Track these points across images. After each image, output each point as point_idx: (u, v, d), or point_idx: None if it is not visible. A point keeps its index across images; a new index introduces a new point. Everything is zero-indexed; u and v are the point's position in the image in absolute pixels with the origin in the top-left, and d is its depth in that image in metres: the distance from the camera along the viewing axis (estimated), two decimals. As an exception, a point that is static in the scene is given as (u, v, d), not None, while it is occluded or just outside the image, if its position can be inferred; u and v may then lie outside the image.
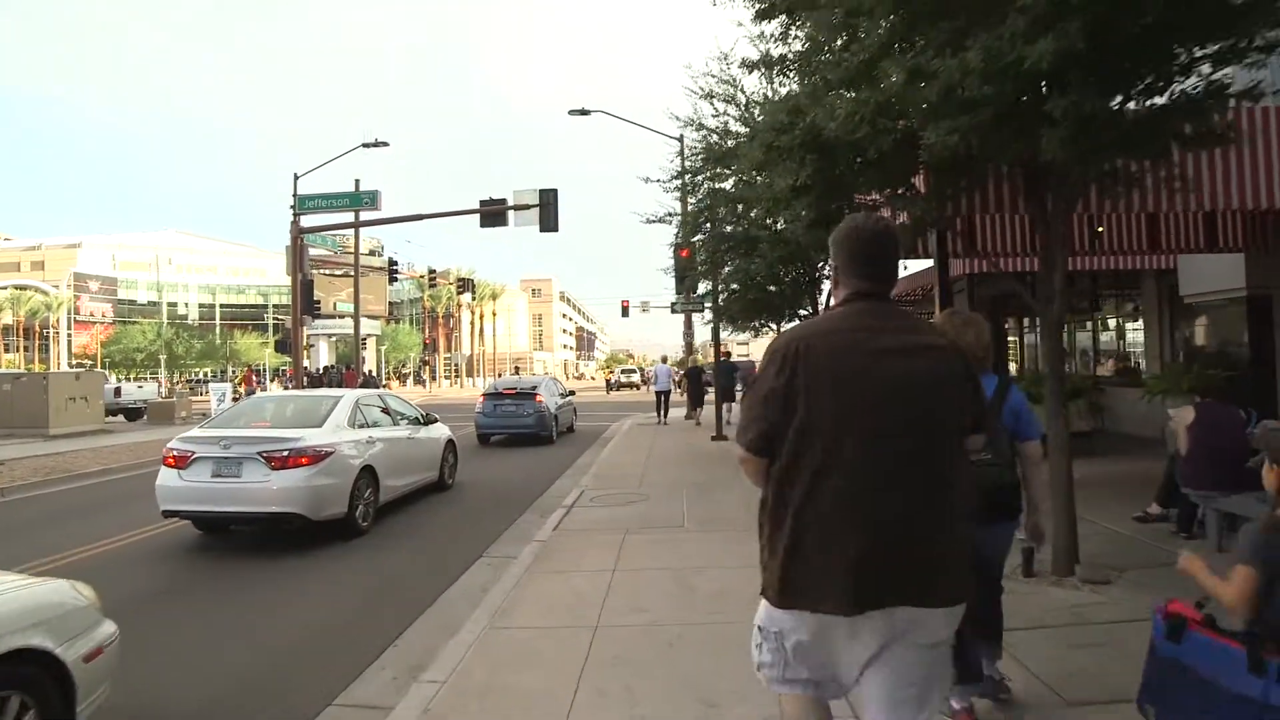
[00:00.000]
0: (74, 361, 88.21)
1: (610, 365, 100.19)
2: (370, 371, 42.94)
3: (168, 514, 8.06)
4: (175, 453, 8.01)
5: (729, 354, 22.57)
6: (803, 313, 14.50)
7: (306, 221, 27.33)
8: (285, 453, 7.79)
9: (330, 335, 73.37)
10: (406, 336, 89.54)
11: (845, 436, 2.05)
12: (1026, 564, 5.71)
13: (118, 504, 10.83)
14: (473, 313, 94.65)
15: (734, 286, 13.75)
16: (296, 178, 26.97)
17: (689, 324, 23.67)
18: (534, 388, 18.31)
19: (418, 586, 6.55)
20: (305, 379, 32.80)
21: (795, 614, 2.11)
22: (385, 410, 10.06)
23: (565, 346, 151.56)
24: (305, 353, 67.19)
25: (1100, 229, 10.02)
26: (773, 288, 13.43)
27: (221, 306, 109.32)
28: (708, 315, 23.04)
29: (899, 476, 2.05)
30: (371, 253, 66.01)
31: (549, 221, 25.22)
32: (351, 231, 34.29)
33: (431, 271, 42.28)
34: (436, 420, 11.46)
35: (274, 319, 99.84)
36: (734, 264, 12.65)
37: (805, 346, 2.13)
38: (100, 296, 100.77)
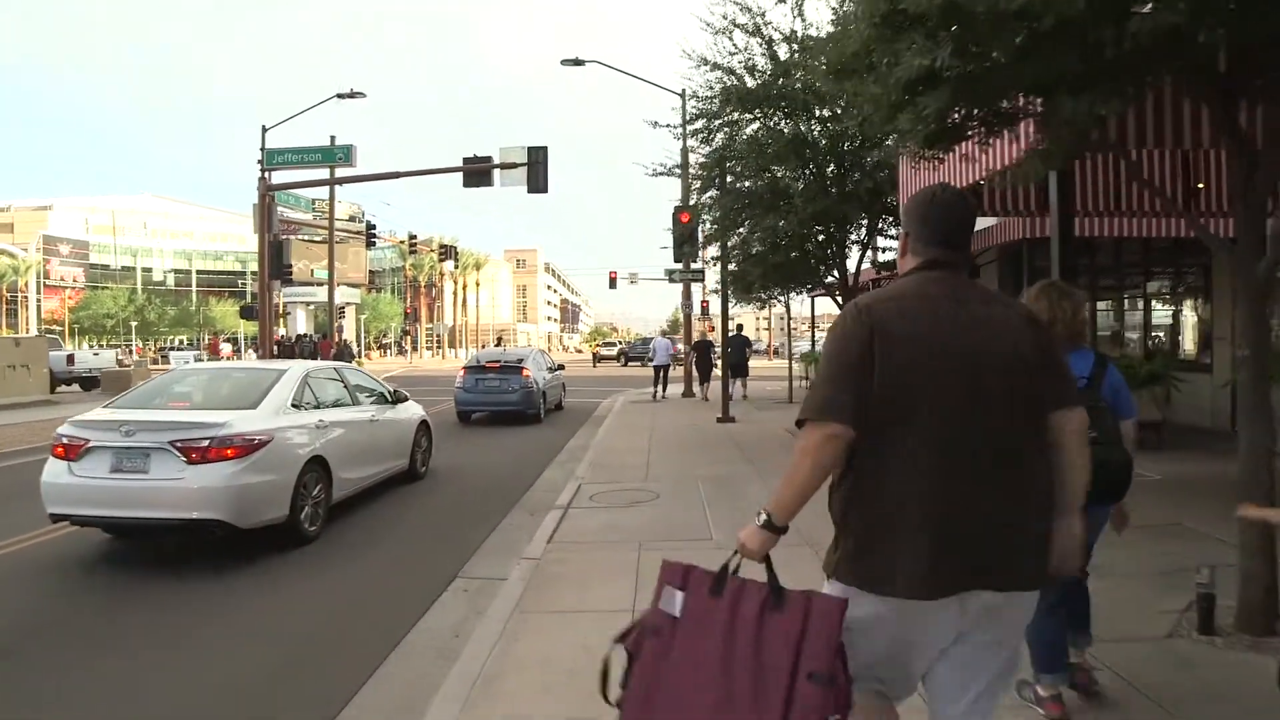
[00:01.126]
0: (43, 327, 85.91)
1: (595, 338, 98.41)
2: (346, 341, 40.98)
3: (55, 518, 6.35)
4: (65, 440, 6.28)
5: (741, 326, 21.20)
6: (829, 280, 12.86)
7: (277, 178, 25.31)
8: (205, 442, 6.08)
9: (308, 303, 70.95)
10: (388, 306, 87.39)
11: (923, 412, 1.93)
12: (1204, 617, 4.14)
13: (23, 495, 9.09)
14: (455, 282, 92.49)
15: (756, 248, 12.03)
16: (265, 130, 24.94)
17: (687, 294, 22.04)
18: (520, 361, 16.61)
19: (367, 630, 4.90)
20: (275, 348, 30.90)
21: (868, 599, 1.97)
22: (344, 387, 8.35)
23: (549, 319, 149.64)
24: (281, 321, 64.97)
25: (1200, 185, 8.47)
26: (804, 248, 11.76)
27: (198, 273, 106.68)
28: (710, 284, 21.48)
29: (979, 454, 1.94)
30: (352, 219, 63.65)
31: (538, 181, 23.38)
32: (328, 196, 32.19)
33: (412, 237, 40.25)
34: (407, 398, 9.77)
35: (252, 287, 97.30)
36: (755, 223, 10.93)
37: (880, 314, 2.00)
38: (71, 260, 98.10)
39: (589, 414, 18.43)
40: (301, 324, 69.33)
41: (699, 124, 11.77)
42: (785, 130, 10.60)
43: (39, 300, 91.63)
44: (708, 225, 12.86)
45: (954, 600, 1.94)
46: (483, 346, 68.24)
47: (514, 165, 23.46)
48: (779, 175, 10.66)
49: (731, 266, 14.45)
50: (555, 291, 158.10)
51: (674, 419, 15.73)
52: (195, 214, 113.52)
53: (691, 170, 12.74)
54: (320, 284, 69.88)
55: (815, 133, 10.47)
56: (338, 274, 71.47)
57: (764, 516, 2.02)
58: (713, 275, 27.57)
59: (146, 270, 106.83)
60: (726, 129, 11.70)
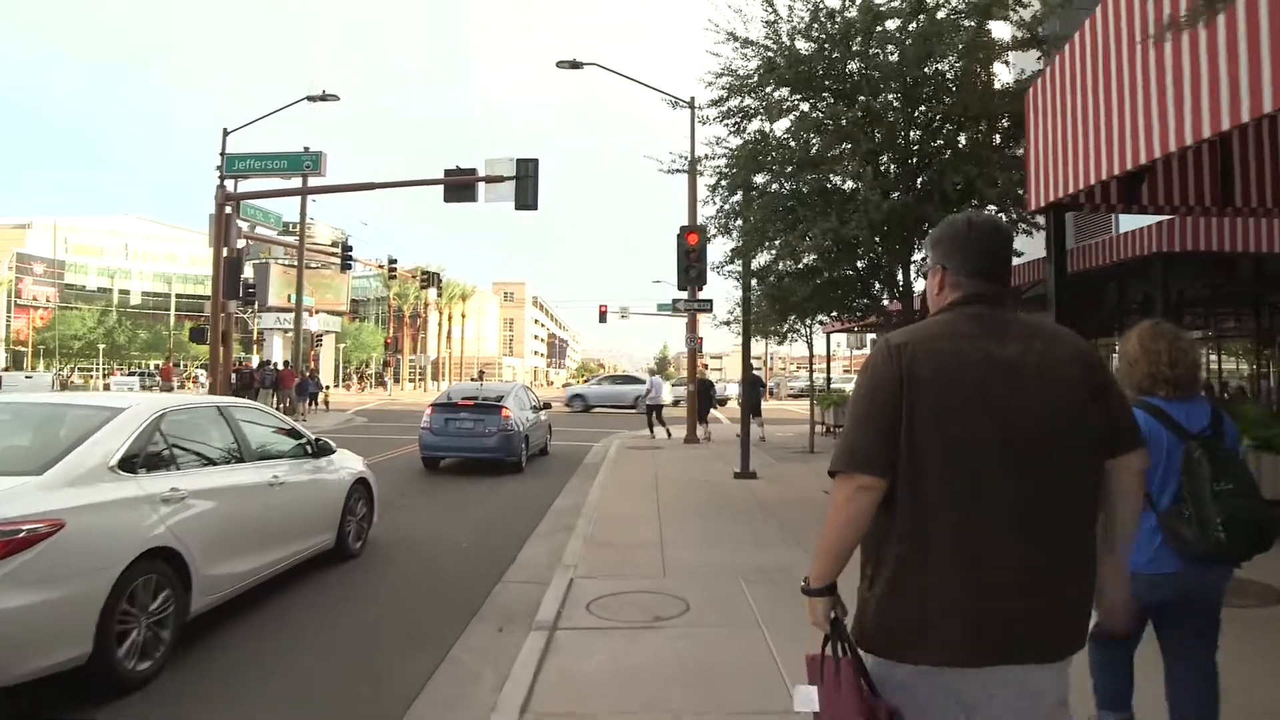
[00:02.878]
0: (8, 348, 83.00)
1: (583, 374, 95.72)
2: (313, 370, 38.18)
3: None
4: None
5: (752, 366, 19.09)
6: (885, 304, 10.35)
7: (239, 187, 22.80)
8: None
9: (287, 331, 68.12)
10: (371, 336, 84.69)
11: (956, 462, 1.79)
12: None
13: None
14: (441, 313, 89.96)
15: (804, 261, 9.49)
16: (226, 134, 22.45)
17: (693, 326, 19.55)
18: (499, 398, 14.01)
19: None
20: (234, 376, 28.15)
21: (892, 668, 1.85)
22: (232, 435, 5.74)
23: (536, 353, 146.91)
24: (257, 348, 62.00)
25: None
26: (866, 262, 9.26)
27: (178, 296, 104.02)
28: (722, 314, 19.01)
29: (1019, 507, 1.79)
30: (334, 244, 61.19)
31: (527, 197, 20.94)
32: (299, 209, 29.70)
33: (392, 261, 37.75)
34: (333, 450, 7.16)
35: (237, 312, 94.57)
36: (806, 226, 8.41)
37: (911, 354, 1.85)
38: (45, 280, 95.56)
39: (579, 461, 15.81)
40: (278, 352, 66.37)
41: (730, 103, 9.31)
42: (845, 112, 8.19)
43: (8, 320, 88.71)
44: (734, 237, 10.39)
45: (988, 670, 1.78)
46: (461, 379, 65.14)
47: (500, 179, 21.13)
48: (843, 167, 8.21)
49: (756, 291, 11.96)
50: (543, 325, 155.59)
51: (682, 471, 13.13)
52: (178, 236, 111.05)
53: (707, 174, 10.25)
54: (306, 310, 67.60)
55: (886, 109, 8.03)
56: (317, 300, 69.11)
57: (805, 580, 1.95)
58: (723, 304, 25.22)
59: (124, 292, 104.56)
60: (764, 113, 9.28)
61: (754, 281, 11.24)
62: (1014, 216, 8.40)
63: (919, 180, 8.25)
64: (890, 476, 1.81)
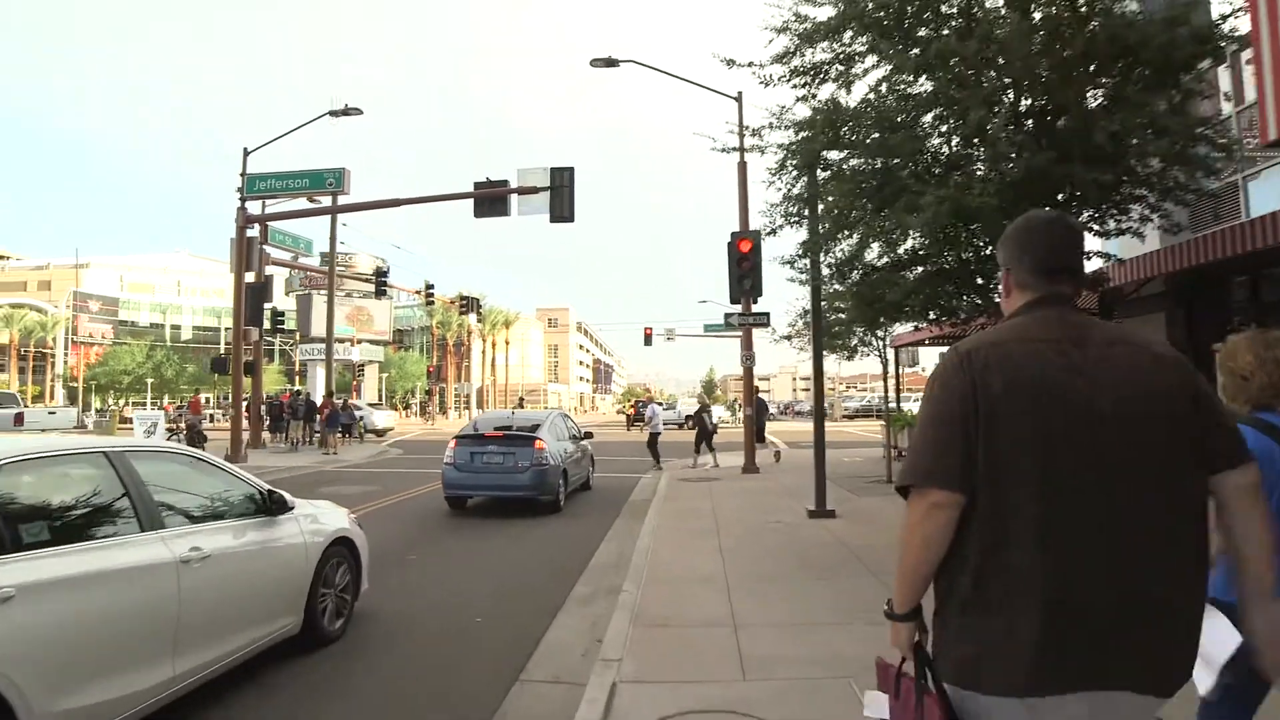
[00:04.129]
0: (66, 384, 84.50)
1: (629, 399, 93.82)
2: (346, 401, 37.03)
3: None
4: None
5: (757, 389, 17.86)
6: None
7: (258, 208, 21.65)
8: None
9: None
10: (415, 365, 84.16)
11: (1036, 475, 1.65)
12: None
13: None
14: (484, 341, 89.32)
15: (906, 246, 7.53)
16: (246, 154, 21.32)
17: (748, 342, 17.65)
18: (534, 428, 12.28)
19: None
20: (263, 407, 26.97)
21: (972, 697, 1.70)
22: (128, 493, 4.03)
23: (582, 379, 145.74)
24: (299, 379, 61.49)
25: None
26: (987, 238, 7.25)
27: (227, 330, 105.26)
28: (782, 328, 17.14)
29: (1115, 523, 1.64)
30: (377, 272, 60.62)
31: (562, 207, 19.43)
32: (329, 230, 28.58)
33: (429, 287, 36.50)
34: (291, 507, 5.41)
35: (281, 344, 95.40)
36: (909, 202, 6.47)
37: (982, 362, 1.73)
38: (100, 317, 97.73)
39: (625, 496, 13.98)
40: (321, 384, 66.01)
41: (803, 58, 7.46)
42: (955, 45, 6.26)
43: (66, 357, 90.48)
44: (807, 227, 8.49)
45: (1073, 698, 1.64)
46: (506, 407, 63.33)
47: (534, 190, 19.62)
48: (958, 121, 6.31)
49: (830, 293, 10.06)
50: (588, 351, 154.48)
51: (744, 509, 11.22)
52: (226, 271, 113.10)
53: (770, 152, 8.41)
54: (342, 341, 67.05)
55: (1015, 40, 6.08)
56: (359, 330, 68.74)
57: (888, 604, 1.86)
58: (780, 317, 23.28)
59: (175, 327, 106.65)
60: (843, 68, 7.43)
61: (831, 281, 9.34)
62: (1183, 181, 6.46)
63: (1055, 134, 6.31)
64: (967, 492, 1.68)
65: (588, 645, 5.63)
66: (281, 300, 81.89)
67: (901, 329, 15.25)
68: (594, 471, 15.60)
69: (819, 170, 8.14)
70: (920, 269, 7.66)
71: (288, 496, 5.40)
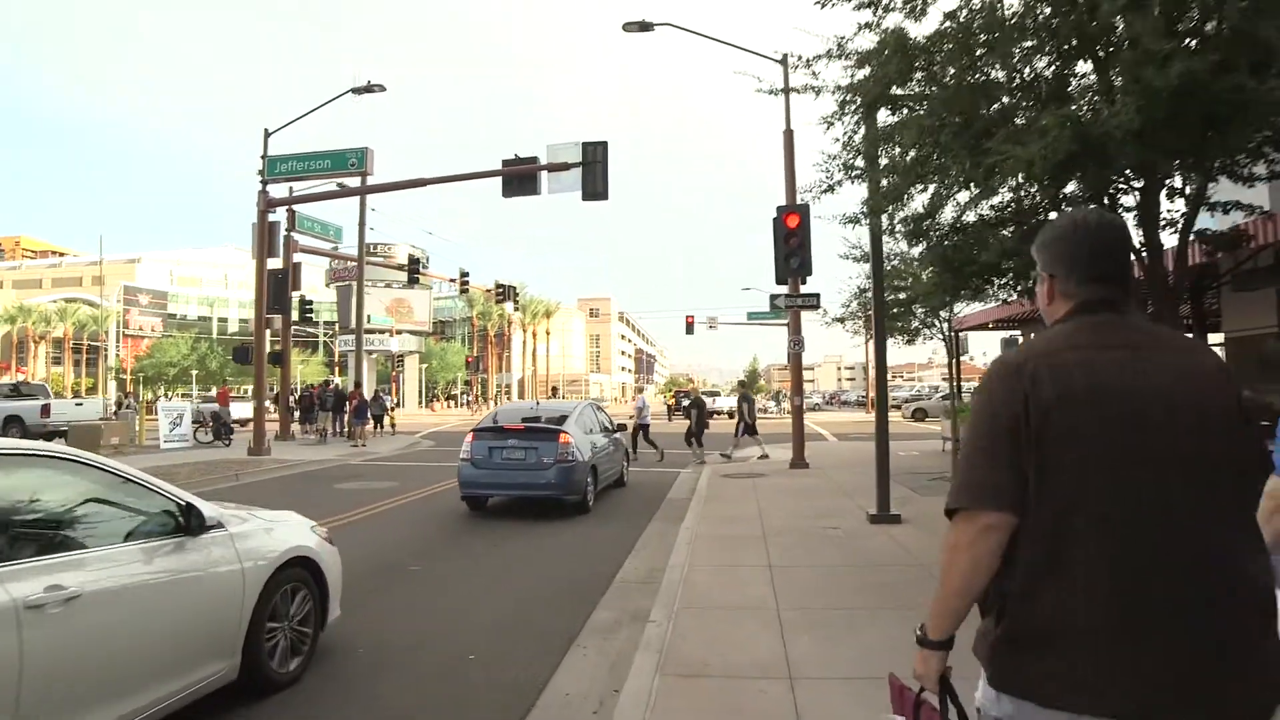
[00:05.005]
0: (117, 376, 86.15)
1: (671, 389, 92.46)
2: (378, 391, 36.36)
3: None
4: None
5: (743, 382, 16.89)
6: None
7: (280, 191, 20.79)
8: None
9: (369, 351, 67.74)
10: (456, 356, 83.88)
11: (1094, 489, 1.57)
12: None
13: None
14: (525, 331, 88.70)
15: (1003, 193, 6.11)
16: (267, 135, 20.44)
17: (796, 327, 16.24)
18: (560, 420, 11.09)
19: None
20: (293, 400, 26.29)
21: (1021, 708, 1.59)
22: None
23: (624, 369, 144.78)
24: (338, 370, 61.40)
25: None
26: (1119, 179, 5.77)
27: (299, 325, 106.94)
28: (828, 313, 15.76)
29: (1181, 537, 1.55)
30: (411, 260, 60.03)
31: (595, 184, 18.17)
32: (359, 213, 27.76)
33: (464, 274, 35.53)
34: (218, 524, 4.24)
35: (324, 336, 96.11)
36: (1010, 135, 5.06)
37: (1033, 373, 1.63)
38: (150, 310, 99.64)
39: (662, 495, 12.75)
40: (363, 375, 65.86)
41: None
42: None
43: (117, 350, 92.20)
44: (866, 181, 7.12)
45: None
46: (536, 398, 62.16)
47: (564, 166, 18.41)
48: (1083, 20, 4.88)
49: (895, 258, 8.65)
50: (630, 341, 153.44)
51: (795, 513, 9.90)
52: (274, 264, 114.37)
53: (828, 92, 7.01)
54: (381, 331, 66.85)
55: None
56: (398, 320, 68.47)
57: (920, 628, 1.77)
58: (832, 299, 21.69)
59: (223, 320, 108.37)
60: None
61: (901, 243, 7.94)
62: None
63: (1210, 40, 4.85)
64: (1019, 513, 1.60)
65: (603, 696, 4.42)
66: (322, 292, 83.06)
67: (970, 309, 13.75)
68: (629, 466, 14.37)
69: (887, 110, 6.77)
70: (1026, 222, 6.21)
71: (216, 510, 4.24)
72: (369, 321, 66.32)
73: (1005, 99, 5.46)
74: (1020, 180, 5.52)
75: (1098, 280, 1.74)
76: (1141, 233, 5.95)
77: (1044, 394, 1.60)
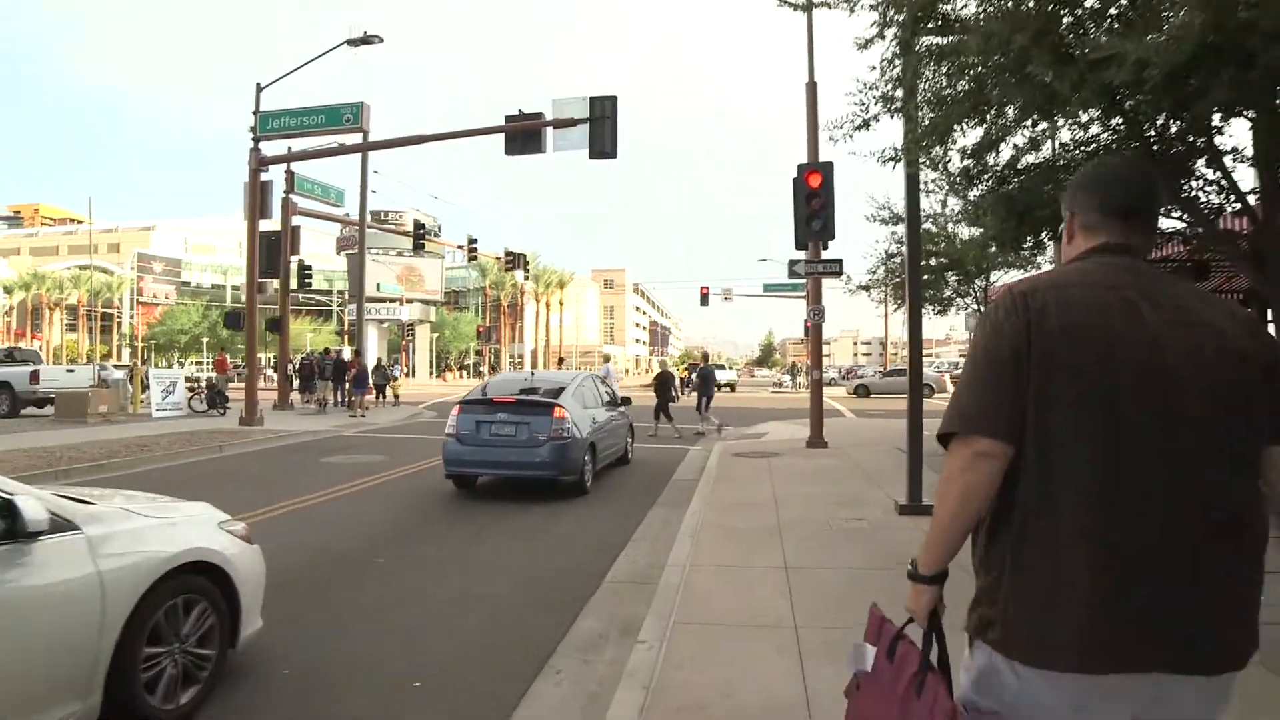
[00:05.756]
0: (131, 343, 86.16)
1: (683, 361, 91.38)
2: (380, 360, 35.50)
3: None
4: None
5: (706, 355, 17.22)
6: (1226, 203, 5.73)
7: (272, 149, 19.76)
8: None
9: (381, 321, 67.03)
10: (469, 326, 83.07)
11: (1094, 429, 1.52)
12: None
13: None
14: (538, 301, 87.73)
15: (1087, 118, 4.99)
16: (260, 89, 19.37)
17: (817, 295, 15.11)
18: (556, 393, 10.09)
19: None
20: (291, 369, 25.46)
21: (1008, 664, 1.58)
22: None
23: (638, 341, 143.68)
24: (346, 339, 60.82)
25: None
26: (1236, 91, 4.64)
27: (297, 292, 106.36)
28: (852, 280, 14.66)
29: (1178, 485, 1.51)
30: (417, 225, 58.87)
31: (603, 141, 17.03)
32: (360, 175, 26.71)
33: (472, 241, 34.43)
34: (68, 528, 3.24)
35: (336, 305, 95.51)
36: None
37: (1041, 303, 1.58)
38: (164, 278, 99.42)
39: (668, 474, 11.77)
40: (373, 344, 65.10)
41: None
42: None
43: (131, 316, 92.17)
44: (904, 115, 5.99)
45: (1122, 679, 1.52)
46: (520, 366, 61.37)
47: (571, 122, 17.28)
48: None
49: (935, 211, 7.54)
50: (644, 313, 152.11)
51: (813, 500, 8.89)
52: (268, 227, 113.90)
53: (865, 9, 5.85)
54: (391, 300, 66.02)
55: None
56: (409, 289, 67.61)
57: (912, 563, 1.74)
58: (856, 265, 20.58)
59: (236, 288, 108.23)
60: None
61: (950, 188, 6.81)
62: None
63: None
64: (1015, 443, 1.55)
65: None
66: (334, 260, 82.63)
67: (1008, 277, 12.62)
68: (634, 443, 13.38)
69: (931, 30, 5.63)
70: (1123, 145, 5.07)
71: (64, 504, 3.26)
72: (378, 290, 65.65)
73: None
74: (1117, 95, 4.39)
75: (1118, 219, 1.68)
76: (1258, 175, 4.83)
77: (1049, 326, 1.55)
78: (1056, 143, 5.67)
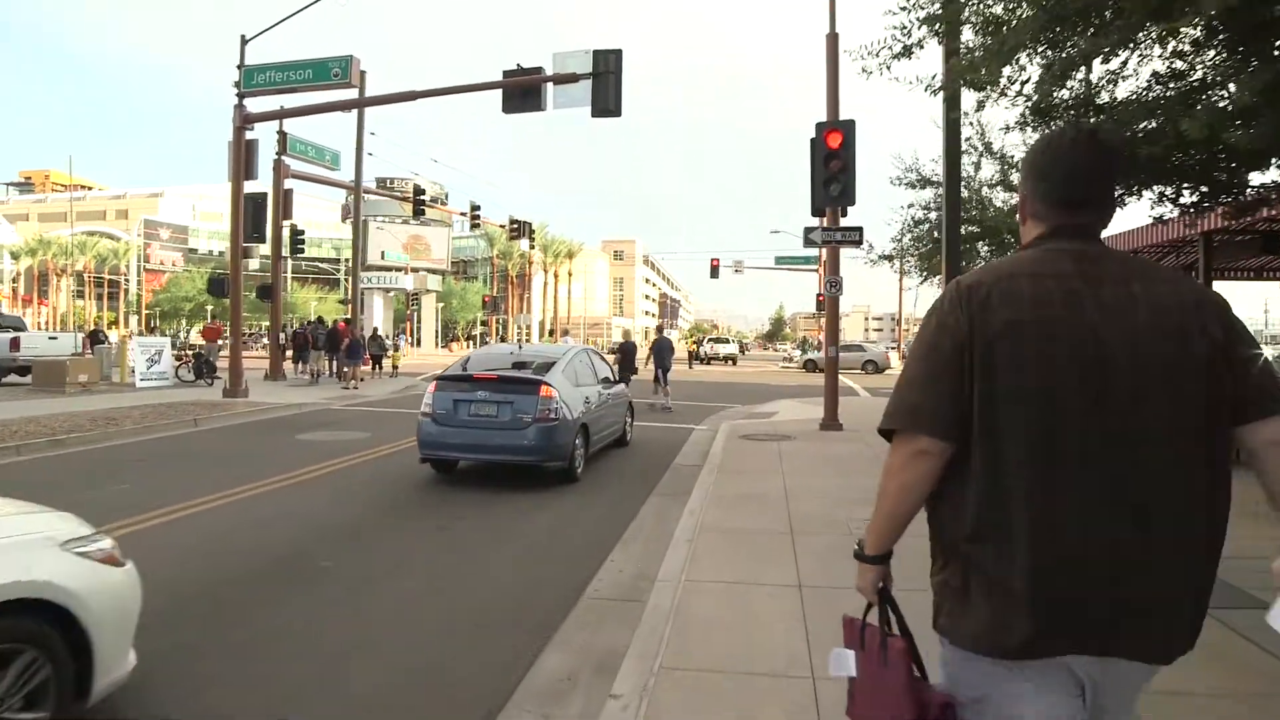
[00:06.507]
0: (138, 310, 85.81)
1: (695, 334, 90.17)
2: (376, 329, 34.60)
3: None
4: None
5: (661, 328, 16.37)
6: None
7: (258, 106, 18.68)
8: None
9: (388, 290, 66.12)
10: (477, 296, 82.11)
11: (1035, 424, 1.51)
12: None
13: None
14: (546, 272, 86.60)
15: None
16: (244, 42, 18.25)
17: (834, 266, 14.02)
18: (544, 368, 9.12)
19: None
20: (284, 337, 24.55)
21: (962, 654, 1.63)
22: None
23: (647, 313, 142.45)
24: (350, 307, 60.19)
25: None
26: None
27: (293, 258, 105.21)
28: (874, 248, 13.59)
29: (1119, 480, 1.49)
30: (434, 199, 57.70)
31: (606, 98, 15.85)
32: (356, 136, 25.61)
33: (474, 207, 33.26)
34: None
35: (343, 274, 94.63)
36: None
37: (984, 296, 1.58)
38: (170, 245, 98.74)
39: (669, 458, 10.81)
40: (378, 312, 64.21)
41: None
42: None
43: (139, 282, 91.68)
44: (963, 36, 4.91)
45: (1062, 663, 1.56)
46: (520, 339, 60.19)
47: (573, 78, 16.11)
48: None
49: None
50: (654, 285, 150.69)
51: (829, 494, 7.92)
52: (298, 202, 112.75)
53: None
54: (395, 269, 64.99)
55: None
56: (414, 257, 66.57)
57: (859, 544, 1.81)
58: (878, 233, 19.44)
59: (264, 258, 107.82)
60: None
61: (1023, 117, 5.65)
62: None
63: None
64: (955, 440, 1.56)
65: None
66: (342, 229, 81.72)
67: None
68: (633, 423, 12.41)
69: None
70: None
71: None
72: (383, 259, 64.65)
73: None
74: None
75: (1068, 206, 1.66)
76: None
77: (992, 320, 1.54)
78: (1146, 69, 4.59)
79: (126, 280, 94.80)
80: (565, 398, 8.80)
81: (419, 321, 71.69)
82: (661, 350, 18.22)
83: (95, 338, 27.50)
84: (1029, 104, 5.00)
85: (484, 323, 75.86)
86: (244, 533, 6.59)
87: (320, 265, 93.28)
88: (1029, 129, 5.47)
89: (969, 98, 5.71)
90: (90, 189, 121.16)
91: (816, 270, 54.39)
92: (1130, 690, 1.63)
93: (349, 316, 22.98)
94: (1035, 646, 1.51)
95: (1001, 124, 5.95)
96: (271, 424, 14.20)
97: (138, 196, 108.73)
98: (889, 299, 47.30)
